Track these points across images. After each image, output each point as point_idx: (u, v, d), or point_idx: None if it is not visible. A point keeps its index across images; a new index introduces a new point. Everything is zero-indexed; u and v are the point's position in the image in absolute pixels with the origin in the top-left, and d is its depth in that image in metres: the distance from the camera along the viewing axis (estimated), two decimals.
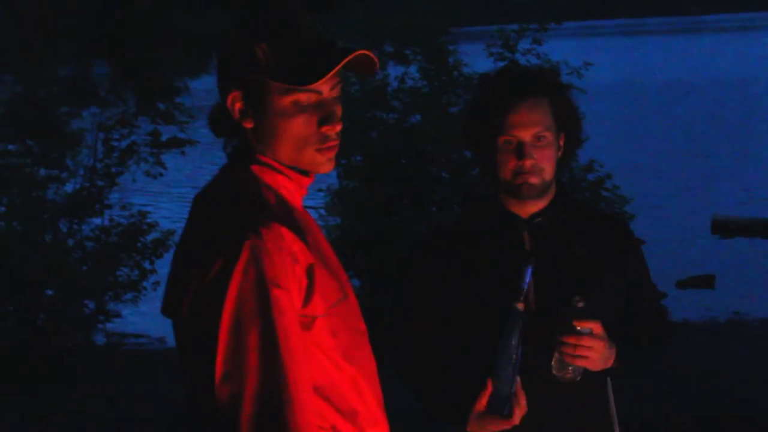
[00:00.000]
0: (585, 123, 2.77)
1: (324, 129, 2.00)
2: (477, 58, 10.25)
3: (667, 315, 2.79)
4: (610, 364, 2.54)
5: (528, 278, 2.49)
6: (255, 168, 2.01)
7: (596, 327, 2.48)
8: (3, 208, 9.65)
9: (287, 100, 1.98)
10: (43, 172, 9.83)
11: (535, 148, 2.56)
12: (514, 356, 2.46)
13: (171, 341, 10.58)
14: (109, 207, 10.08)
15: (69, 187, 10.04)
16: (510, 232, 2.63)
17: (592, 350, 2.47)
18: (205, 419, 1.88)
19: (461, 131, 2.74)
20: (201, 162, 16.48)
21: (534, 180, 2.57)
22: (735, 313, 10.90)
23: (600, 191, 9.52)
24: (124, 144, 10.00)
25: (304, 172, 2.04)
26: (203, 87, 9.77)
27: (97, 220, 10.09)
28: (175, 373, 7.67)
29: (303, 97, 1.98)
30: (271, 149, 2.01)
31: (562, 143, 2.64)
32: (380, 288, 9.64)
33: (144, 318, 10.82)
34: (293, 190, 2.03)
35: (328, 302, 1.95)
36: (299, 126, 1.99)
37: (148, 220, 10.04)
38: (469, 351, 2.61)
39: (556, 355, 2.52)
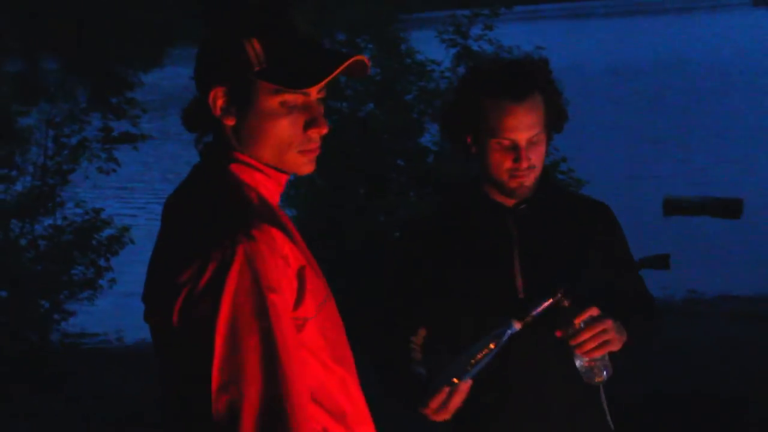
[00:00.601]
0: None
1: (310, 132, 1.95)
2: (429, 45, 10.24)
3: (651, 294, 2.79)
4: (624, 338, 2.51)
5: (541, 308, 2.43)
6: (233, 167, 1.95)
7: (594, 311, 2.46)
8: None
9: (275, 101, 1.91)
10: None
11: (530, 149, 2.52)
12: (481, 356, 2.41)
13: (129, 339, 10.49)
14: (62, 205, 9.94)
15: (19, 186, 9.88)
16: (496, 221, 2.60)
17: (607, 331, 2.43)
18: (201, 427, 1.81)
19: (442, 120, 2.69)
20: (155, 156, 16.35)
21: (528, 181, 2.55)
22: (691, 291, 11.03)
23: (555, 174, 9.55)
24: (74, 140, 9.86)
25: (282, 171, 1.99)
26: (156, 80, 9.69)
27: (50, 219, 9.95)
28: (136, 371, 7.61)
29: (291, 98, 1.92)
30: (252, 148, 1.95)
31: (550, 136, 2.62)
32: (338, 279, 9.61)
33: (101, 316, 10.71)
34: (272, 189, 1.98)
35: (317, 302, 1.90)
36: (285, 127, 1.93)
37: (103, 217, 9.92)
38: (447, 337, 2.58)
39: (581, 362, 2.47)
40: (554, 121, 2.60)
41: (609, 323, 2.44)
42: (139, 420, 6.87)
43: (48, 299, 9.60)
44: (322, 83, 1.90)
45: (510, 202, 2.61)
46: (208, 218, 1.87)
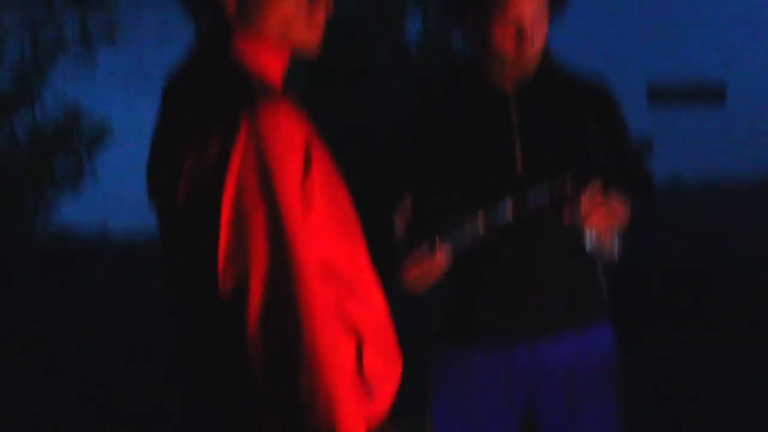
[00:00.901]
0: None
1: (317, 9, 1.90)
2: None
3: (650, 172, 2.78)
4: (628, 214, 2.53)
5: (536, 202, 2.45)
6: (236, 44, 1.89)
7: (596, 185, 2.46)
8: None
9: None
10: None
11: (535, 26, 2.48)
12: (469, 229, 2.42)
13: (113, 231, 10.53)
14: (41, 101, 9.89)
15: None
16: (496, 104, 2.58)
17: (611, 202, 2.46)
18: (208, 302, 1.81)
19: (449, 6, 2.65)
20: (140, 51, 16.20)
21: (530, 57, 2.51)
22: (673, 173, 11.08)
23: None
24: (52, 36, 9.77)
25: (285, 47, 1.92)
26: None
27: (30, 116, 9.91)
28: (120, 264, 7.67)
29: None
30: (255, 25, 1.88)
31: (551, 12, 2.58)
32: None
33: (84, 211, 10.74)
34: (275, 66, 1.92)
35: (323, 178, 1.88)
36: (290, 6, 1.88)
37: (83, 111, 9.90)
38: (438, 212, 2.57)
39: (591, 242, 2.48)
40: (557, 2, 2.56)
41: (614, 196, 2.47)
42: (128, 309, 6.97)
43: (32, 195, 9.62)
44: None
45: (510, 86, 2.58)
46: (211, 95, 1.84)
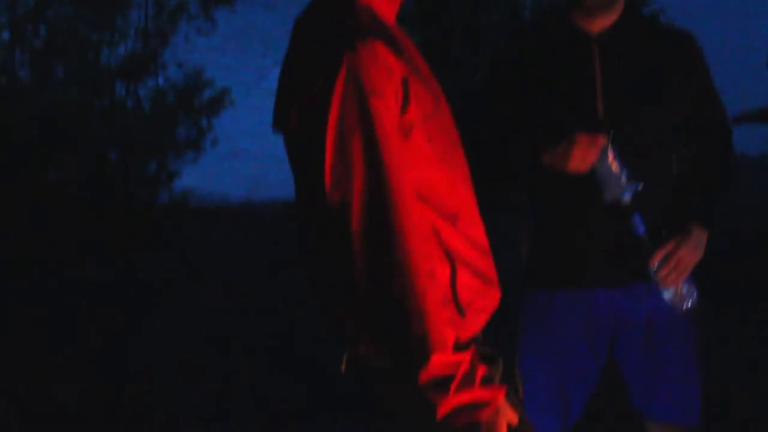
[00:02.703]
0: None
1: None
2: None
3: (728, 127, 2.85)
4: (705, 237, 2.65)
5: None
6: None
7: (667, 247, 2.59)
8: (60, 73, 9.77)
9: None
10: (95, 36, 9.90)
11: None
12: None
13: (232, 197, 10.80)
14: (164, 67, 10.16)
15: (122, 50, 10.12)
16: (579, 47, 2.68)
17: (682, 261, 2.60)
18: (318, 225, 2.01)
19: None
20: (255, 17, 16.43)
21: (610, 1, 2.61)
22: None
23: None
24: (173, 2, 10.01)
25: None
26: None
27: (153, 81, 10.20)
28: (237, 227, 7.88)
29: None
30: None
31: None
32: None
33: (203, 175, 11.03)
34: (386, 6, 2.11)
35: (423, 111, 2.05)
36: None
37: (203, 78, 10.13)
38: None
39: (667, 294, 2.62)
40: None
41: (681, 252, 2.59)
42: (244, 271, 7.18)
43: (154, 160, 9.91)
44: None
45: (594, 28, 2.68)
46: (321, 35, 2.04)
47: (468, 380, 2.03)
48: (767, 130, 11.85)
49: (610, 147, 2.58)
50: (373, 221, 1.97)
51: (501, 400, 1.99)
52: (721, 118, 2.81)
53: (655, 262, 2.60)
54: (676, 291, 2.64)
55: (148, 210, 9.51)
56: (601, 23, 2.68)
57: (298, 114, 2.03)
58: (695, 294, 2.66)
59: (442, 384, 2.00)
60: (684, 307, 2.66)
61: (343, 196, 1.98)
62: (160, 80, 10.15)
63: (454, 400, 2.01)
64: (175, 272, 7.32)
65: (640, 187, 2.57)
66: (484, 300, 2.16)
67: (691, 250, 2.62)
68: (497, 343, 2.18)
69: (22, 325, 5.84)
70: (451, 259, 2.09)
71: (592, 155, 2.56)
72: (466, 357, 2.02)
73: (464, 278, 2.11)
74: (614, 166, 2.58)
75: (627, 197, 2.59)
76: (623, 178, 2.58)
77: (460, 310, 2.10)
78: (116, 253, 7.91)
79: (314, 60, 2.02)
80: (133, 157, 9.66)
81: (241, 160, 12.02)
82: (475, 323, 2.15)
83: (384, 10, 2.11)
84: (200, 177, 10.96)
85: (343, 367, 2.07)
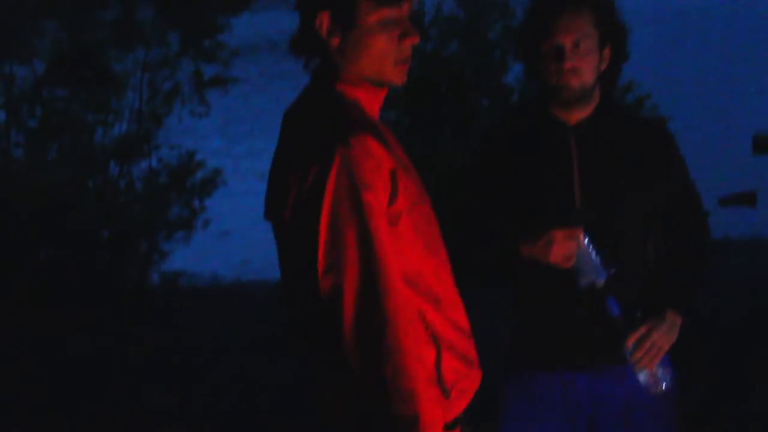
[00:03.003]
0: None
1: (404, 42, 2.21)
2: None
3: (703, 214, 2.95)
4: (679, 322, 2.74)
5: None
6: (338, 85, 2.21)
7: (640, 330, 2.69)
8: (54, 154, 9.87)
9: (374, 17, 2.18)
10: (90, 116, 10.03)
11: (575, 53, 2.72)
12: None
13: (223, 277, 10.85)
14: (157, 148, 10.28)
15: (117, 130, 10.23)
16: (557, 137, 2.79)
17: (656, 344, 2.69)
18: (309, 310, 2.09)
19: (514, 45, 2.93)
20: (248, 99, 16.65)
21: (573, 82, 2.73)
22: None
23: (639, 111, 9.57)
24: (168, 85, 10.17)
25: (380, 85, 2.24)
26: (248, 25, 9.92)
27: (146, 162, 10.30)
28: (227, 308, 7.95)
29: (388, 13, 2.18)
30: (355, 64, 2.20)
31: (606, 55, 2.79)
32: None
33: (194, 255, 11.08)
34: (371, 103, 2.24)
35: (409, 201, 2.16)
36: (384, 41, 2.19)
37: (196, 159, 10.25)
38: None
39: (642, 376, 2.71)
40: (608, 38, 2.77)
41: (655, 335, 2.68)
42: (229, 351, 7.21)
43: (146, 240, 9.98)
44: None
45: (571, 119, 2.79)
46: (313, 129, 2.16)
47: None
48: (753, 213, 12.00)
49: (584, 234, 2.67)
50: (365, 307, 2.06)
51: None
52: (696, 205, 2.92)
53: (629, 345, 2.68)
54: (651, 373, 2.71)
55: (138, 289, 9.54)
56: (577, 115, 2.79)
57: (292, 204, 2.12)
58: (670, 376, 2.73)
59: None
60: (659, 389, 2.73)
61: (335, 283, 2.07)
62: (154, 161, 10.26)
63: None
64: (165, 351, 7.35)
65: (614, 271, 2.66)
66: (466, 381, 2.25)
67: (665, 334, 2.71)
68: (479, 424, 2.25)
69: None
70: (437, 342, 2.19)
71: (571, 249, 2.65)
72: None
73: (448, 360, 2.20)
74: (589, 252, 2.67)
75: (601, 281, 2.68)
76: (598, 263, 2.67)
77: (444, 391, 2.19)
78: (106, 332, 7.93)
79: (307, 152, 2.13)
80: (125, 236, 9.72)
81: (232, 240, 12.11)
82: (459, 404, 2.24)
83: (369, 105, 2.24)
84: (191, 257, 11.03)
85: None
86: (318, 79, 2.26)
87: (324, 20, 2.20)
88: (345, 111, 2.18)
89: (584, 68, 2.73)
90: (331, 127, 2.13)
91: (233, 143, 17.27)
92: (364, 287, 2.06)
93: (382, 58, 2.20)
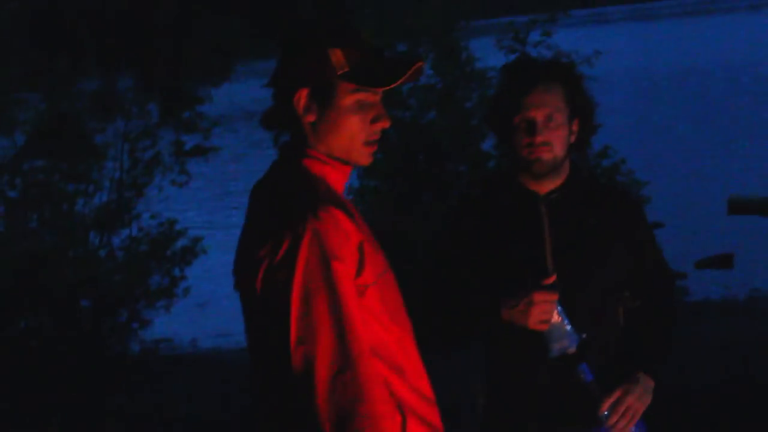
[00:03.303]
0: (598, 110, 3.01)
1: (375, 126, 2.32)
2: (489, 52, 10.44)
3: (672, 278, 3.04)
4: (652, 385, 2.80)
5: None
6: (306, 161, 2.30)
7: (615, 395, 2.75)
8: (34, 224, 9.89)
9: (352, 99, 2.28)
10: (70, 186, 10.07)
11: (547, 128, 2.81)
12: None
13: (203, 345, 10.83)
14: (138, 217, 10.30)
15: (97, 200, 10.27)
16: (529, 207, 2.87)
17: (630, 408, 2.75)
18: (280, 381, 2.13)
19: (486, 117, 3.01)
20: (225, 168, 16.74)
21: (545, 156, 2.82)
22: (753, 291, 11.06)
23: (615, 176, 9.69)
24: (148, 155, 10.24)
25: (347, 163, 2.33)
26: (225, 95, 10.03)
27: (127, 231, 10.32)
28: (208, 377, 7.96)
29: (365, 97, 2.29)
30: (326, 142, 2.30)
31: (575, 128, 2.88)
32: (407, 281, 9.82)
33: (175, 323, 11.07)
34: (337, 179, 2.33)
35: (376, 272, 2.22)
36: (356, 122, 2.29)
37: (177, 228, 10.27)
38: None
39: None
40: (577, 112, 2.86)
41: (629, 399, 2.75)
42: (209, 421, 7.18)
43: (126, 308, 9.96)
44: (398, 83, 2.27)
45: (542, 190, 2.87)
46: (284, 203, 2.23)
47: None
48: (729, 276, 12.09)
49: (557, 301, 2.74)
50: (338, 376, 2.11)
51: None
52: (663, 271, 2.99)
53: (605, 409, 2.73)
54: None
55: (119, 359, 9.51)
56: (548, 185, 2.88)
57: (263, 276, 2.18)
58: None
59: None
60: None
61: (307, 354, 2.12)
62: (134, 230, 10.28)
63: None
64: (142, 425, 7.32)
65: (585, 336, 2.72)
66: None
67: (639, 398, 2.76)
68: None
69: None
70: (401, 409, 2.23)
71: (549, 312, 2.72)
72: None
73: (413, 427, 2.25)
74: (561, 318, 2.73)
75: (573, 347, 2.73)
76: (569, 330, 2.72)
77: None
78: (86, 403, 7.90)
79: (278, 225, 2.20)
80: (105, 305, 9.71)
81: (212, 308, 12.10)
82: None
83: (335, 180, 2.34)
84: (172, 325, 11.01)
85: None
86: (286, 154, 2.34)
87: (302, 97, 2.28)
88: (312, 185, 2.26)
89: (555, 142, 2.82)
90: (301, 201, 2.21)
91: (214, 212, 17.33)
92: (336, 357, 2.11)
93: (353, 139, 2.29)
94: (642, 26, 78.09)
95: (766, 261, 12.56)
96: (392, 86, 2.27)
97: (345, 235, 2.19)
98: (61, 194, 9.90)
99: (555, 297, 2.72)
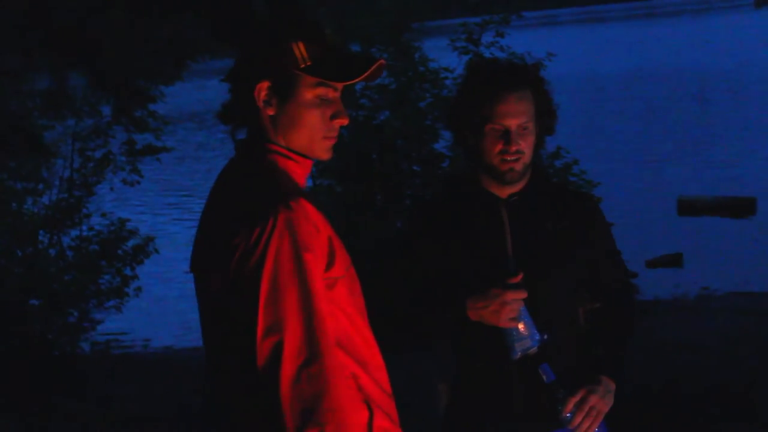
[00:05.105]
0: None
1: (335, 122, 2.32)
2: (442, 53, 10.47)
3: (630, 279, 3.07)
4: (613, 387, 2.82)
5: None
6: (269, 155, 2.30)
7: (578, 394, 2.76)
8: None
9: (312, 93, 2.28)
10: (19, 185, 9.95)
11: (520, 135, 2.80)
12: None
13: (154, 344, 10.74)
14: (88, 216, 10.21)
15: (46, 199, 10.16)
16: (489, 210, 2.87)
17: (595, 408, 2.76)
18: (243, 371, 2.12)
19: (446, 116, 2.99)
20: (177, 168, 16.62)
21: (518, 166, 2.82)
22: (703, 289, 11.20)
23: (567, 177, 9.76)
24: (99, 154, 10.14)
25: (307, 157, 2.34)
26: (177, 93, 9.96)
27: (77, 230, 10.22)
28: (159, 375, 7.91)
29: (325, 92, 2.29)
30: (286, 135, 2.30)
31: (539, 132, 2.88)
32: (361, 280, 9.81)
33: (126, 323, 10.99)
34: (300, 173, 2.33)
35: (343, 267, 2.22)
36: (317, 116, 2.29)
37: (128, 227, 10.18)
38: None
39: None
40: (544, 118, 2.87)
41: (593, 399, 2.75)
42: (159, 420, 7.13)
43: (77, 308, 9.86)
44: (359, 79, 2.27)
45: (503, 193, 2.87)
46: (253, 194, 2.23)
47: None
48: (679, 275, 12.23)
49: None
50: (305, 367, 2.10)
51: None
52: (622, 272, 3.01)
53: (568, 410, 2.74)
54: None
55: (69, 359, 9.41)
56: (509, 189, 2.88)
57: (234, 265, 2.17)
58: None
59: None
60: None
61: (274, 343, 2.10)
62: (85, 229, 10.18)
63: None
64: (96, 421, 7.25)
65: (546, 337, 2.73)
66: None
67: (602, 398, 2.77)
68: None
69: None
70: (368, 403, 2.24)
71: (516, 309, 2.72)
72: None
73: (379, 420, 2.26)
74: (522, 319, 2.74)
75: (534, 348, 2.74)
76: (531, 330, 2.74)
77: None
78: (36, 404, 7.81)
79: (248, 215, 2.18)
80: (55, 305, 9.60)
81: (165, 307, 12.02)
82: None
83: (298, 175, 2.34)
84: (124, 325, 10.92)
85: None
86: (247, 147, 2.33)
87: (263, 90, 2.28)
88: (280, 178, 2.26)
89: (527, 150, 2.83)
90: (272, 191, 2.21)
91: (167, 211, 17.21)
92: (303, 349, 2.10)
93: (312, 133, 2.29)
94: (591, 29, 78.76)
95: (715, 260, 12.73)
96: (353, 82, 2.28)
97: (315, 228, 2.19)
98: (9, 193, 9.78)
99: (524, 294, 2.73)
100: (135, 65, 8.67)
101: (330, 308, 2.19)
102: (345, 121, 2.32)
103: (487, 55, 10.09)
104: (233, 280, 2.17)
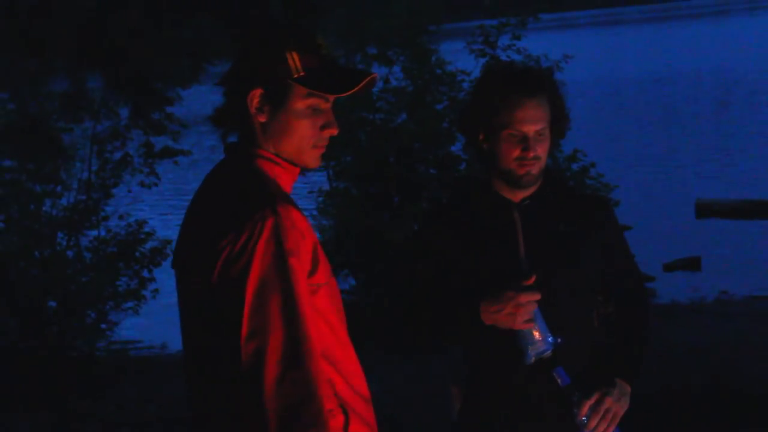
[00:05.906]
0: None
1: (325, 132, 2.35)
2: (459, 56, 10.47)
3: (644, 283, 3.06)
4: (629, 390, 2.81)
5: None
6: (258, 160, 2.33)
7: (594, 397, 2.75)
8: (1, 224, 9.81)
9: (304, 103, 2.31)
10: (38, 187, 9.99)
11: (537, 141, 2.81)
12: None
13: (172, 347, 10.77)
14: (106, 218, 10.24)
15: (65, 201, 10.20)
16: (502, 213, 2.87)
17: (610, 410, 2.75)
18: (225, 374, 2.14)
19: (459, 120, 2.99)
20: (194, 170, 16.64)
21: (535, 170, 2.82)
22: (722, 293, 11.15)
23: (584, 180, 9.75)
24: (117, 156, 10.18)
25: (295, 165, 2.37)
26: (195, 96, 9.99)
27: (95, 232, 10.25)
28: (181, 375, 7.90)
29: (317, 102, 2.32)
30: (276, 143, 2.33)
31: (552, 136, 2.88)
32: (375, 284, 9.85)
33: (144, 325, 11.01)
34: (287, 180, 2.36)
35: (326, 274, 2.25)
36: (308, 126, 2.33)
37: (145, 230, 10.21)
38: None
39: None
40: (558, 122, 2.87)
41: (608, 402, 2.75)
42: (176, 422, 7.14)
43: (94, 309, 9.90)
44: (350, 92, 2.30)
45: (516, 197, 2.87)
46: (241, 198, 2.26)
47: None
48: (697, 278, 12.18)
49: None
50: (287, 373, 2.12)
51: None
52: (636, 275, 3.01)
53: (584, 413, 2.73)
54: None
55: (87, 361, 9.45)
56: (522, 193, 2.88)
57: (220, 268, 2.18)
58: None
59: None
60: None
61: (258, 347, 2.11)
62: (102, 231, 10.22)
63: None
64: (113, 423, 7.27)
65: (560, 340, 2.72)
66: None
67: (617, 401, 2.76)
68: None
69: None
70: (344, 409, 2.26)
71: (530, 312, 2.72)
72: None
73: (355, 425, 2.28)
74: (536, 323, 2.74)
75: (548, 352, 2.73)
76: (545, 334, 2.73)
77: None
78: (52, 404, 7.84)
79: (237, 221, 2.20)
80: (72, 307, 9.64)
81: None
82: None
83: (285, 182, 2.36)
84: (141, 327, 10.95)
85: None
86: (237, 151, 2.36)
87: (256, 96, 2.31)
88: (268, 184, 2.29)
89: (543, 155, 2.84)
90: (260, 196, 2.23)
91: (182, 213, 17.21)
92: (287, 354, 2.12)
93: (302, 142, 2.32)
94: (608, 31, 78.58)
95: (733, 264, 12.67)
96: (344, 95, 2.31)
97: (301, 234, 2.21)
98: (28, 195, 9.83)
99: (538, 296, 2.73)
100: (153, 68, 8.72)
101: (313, 315, 2.21)
102: (335, 132, 2.36)
103: (503, 57, 10.09)
104: (218, 283, 2.18)
